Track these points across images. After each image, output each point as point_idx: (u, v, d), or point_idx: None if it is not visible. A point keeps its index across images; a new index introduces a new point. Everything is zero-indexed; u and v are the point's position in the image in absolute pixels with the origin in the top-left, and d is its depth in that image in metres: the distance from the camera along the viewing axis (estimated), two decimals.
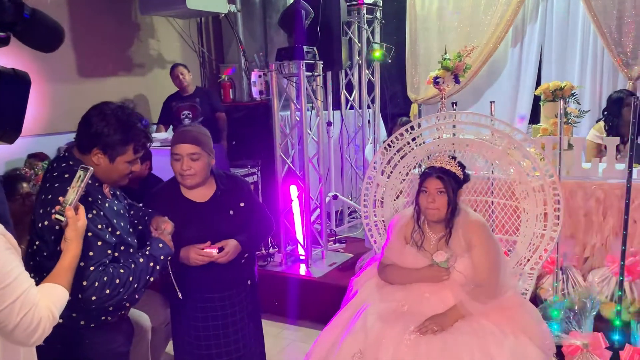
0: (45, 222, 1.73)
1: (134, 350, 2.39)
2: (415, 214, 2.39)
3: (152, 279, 1.92)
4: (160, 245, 1.98)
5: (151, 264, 1.91)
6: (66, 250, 1.53)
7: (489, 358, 1.98)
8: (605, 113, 4.26)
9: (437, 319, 2.13)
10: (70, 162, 1.84)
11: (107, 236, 1.81)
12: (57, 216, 1.56)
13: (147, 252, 1.93)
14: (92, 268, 1.73)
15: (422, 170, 2.41)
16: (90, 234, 1.74)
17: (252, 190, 2.43)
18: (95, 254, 1.76)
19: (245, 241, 2.26)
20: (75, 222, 1.54)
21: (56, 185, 1.77)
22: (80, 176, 1.59)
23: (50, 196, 1.75)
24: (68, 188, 1.59)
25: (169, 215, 2.19)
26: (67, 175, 1.77)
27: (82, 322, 1.86)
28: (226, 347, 2.28)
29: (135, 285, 1.85)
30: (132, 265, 1.85)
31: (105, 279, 1.75)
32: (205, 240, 2.18)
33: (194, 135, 2.19)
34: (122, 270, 1.81)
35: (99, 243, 1.78)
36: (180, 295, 2.19)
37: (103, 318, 1.90)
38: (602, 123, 4.26)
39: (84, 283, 1.71)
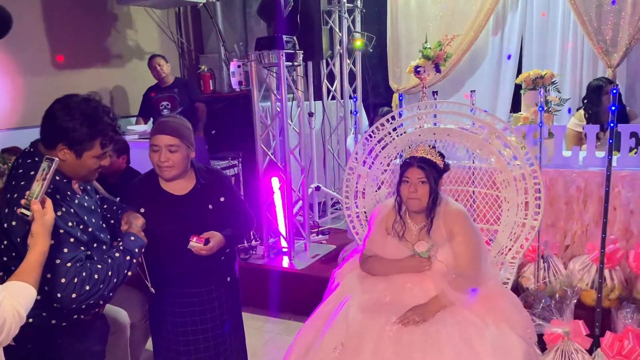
0: (13, 223, 1.67)
1: (113, 347, 2.35)
2: (397, 204, 2.37)
3: (129, 273, 1.88)
4: (132, 238, 1.94)
5: (127, 258, 1.87)
6: (33, 246, 1.47)
7: (471, 348, 1.97)
8: (585, 101, 4.28)
9: (418, 310, 2.12)
10: (36, 159, 1.77)
11: (78, 234, 1.76)
12: (23, 211, 1.49)
13: (121, 247, 1.89)
14: (69, 264, 1.67)
15: (403, 160, 2.39)
16: (61, 231, 1.69)
17: (233, 186, 2.39)
18: (69, 250, 1.70)
19: (230, 237, 2.22)
20: (42, 216, 1.48)
21: (22, 183, 1.71)
22: (44, 168, 1.52)
23: (15, 195, 1.69)
24: (34, 182, 1.52)
25: (147, 207, 2.15)
26: (32, 173, 1.70)
27: (53, 322, 1.80)
28: (205, 343, 2.25)
29: (115, 280, 1.80)
30: (109, 261, 1.80)
31: (84, 274, 1.69)
32: (183, 233, 2.13)
33: (173, 127, 2.15)
34: (99, 266, 1.76)
35: (71, 240, 1.73)
36: (152, 289, 2.15)
37: (75, 317, 1.84)
38: (582, 111, 4.28)
39: (62, 280, 1.65)
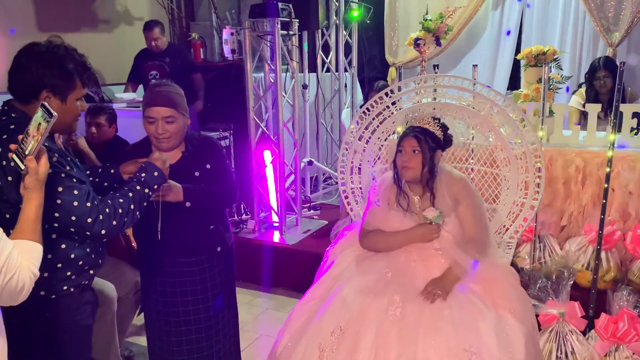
0: None
1: (99, 320, 2.28)
2: (395, 175, 2.29)
3: (146, 204, 1.88)
4: (156, 173, 1.90)
5: (146, 191, 1.87)
6: (28, 200, 1.42)
7: (474, 331, 1.92)
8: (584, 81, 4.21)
9: (438, 283, 2.05)
10: (13, 115, 1.71)
11: (79, 173, 1.73)
12: (15, 159, 1.42)
13: (143, 179, 1.87)
14: (88, 204, 1.68)
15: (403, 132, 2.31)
16: (63, 175, 1.66)
17: (223, 154, 2.28)
18: (78, 190, 1.68)
19: (190, 190, 2.08)
20: (37, 171, 1.42)
21: (4, 137, 1.63)
22: (40, 122, 1.41)
23: None
24: (26, 137, 1.41)
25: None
26: (12, 127, 1.64)
27: (41, 293, 1.74)
28: (195, 315, 2.19)
29: (138, 213, 1.83)
30: (130, 194, 1.81)
31: (107, 210, 1.72)
32: (168, 201, 2.05)
33: (168, 97, 2.06)
34: (121, 200, 1.78)
35: (74, 180, 1.69)
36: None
37: (65, 288, 1.78)
38: (583, 89, 4.21)
39: (89, 220, 1.68)
